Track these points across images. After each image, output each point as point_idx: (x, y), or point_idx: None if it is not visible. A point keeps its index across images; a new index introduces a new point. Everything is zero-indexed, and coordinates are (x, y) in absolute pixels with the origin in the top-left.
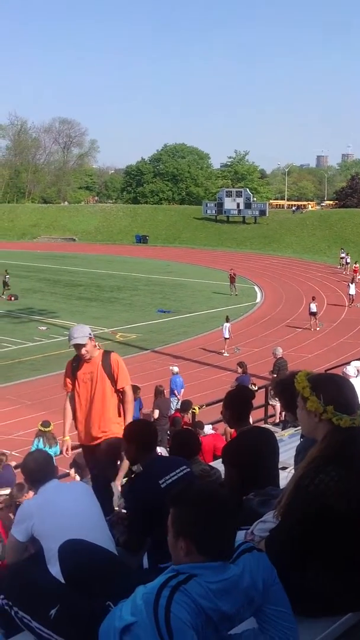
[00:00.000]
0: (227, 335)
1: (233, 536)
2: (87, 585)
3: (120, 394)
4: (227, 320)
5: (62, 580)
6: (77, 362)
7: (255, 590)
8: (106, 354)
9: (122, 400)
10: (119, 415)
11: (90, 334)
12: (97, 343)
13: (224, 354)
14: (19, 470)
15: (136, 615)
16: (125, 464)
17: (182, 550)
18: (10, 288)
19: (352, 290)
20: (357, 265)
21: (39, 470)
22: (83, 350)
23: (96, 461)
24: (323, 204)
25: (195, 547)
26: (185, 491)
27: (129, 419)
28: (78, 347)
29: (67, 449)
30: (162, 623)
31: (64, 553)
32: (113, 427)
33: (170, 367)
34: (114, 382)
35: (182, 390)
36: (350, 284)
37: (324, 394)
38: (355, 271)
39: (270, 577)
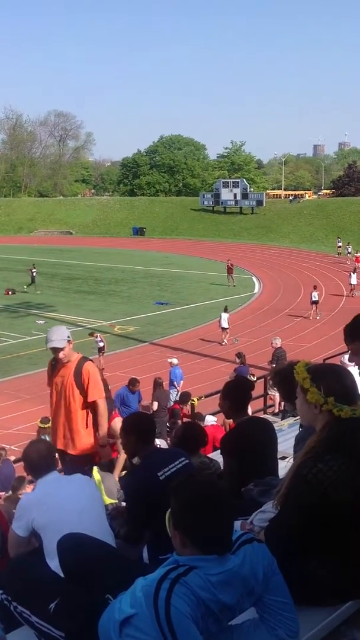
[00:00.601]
0: (225, 325)
1: (230, 530)
2: (86, 579)
3: (93, 406)
4: (226, 310)
5: (61, 574)
6: (55, 362)
7: (256, 581)
8: (81, 362)
9: (94, 413)
10: (87, 427)
11: (68, 337)
12: (80, 353)
13: (223, 343)
14: (18, 464)
15: (136, 607)
16: (122, 458)
17: (179, 542)
18: (34, 284)
19: (354, 279)
20: (359, 254)
21: (39, 460)
22: (60, 354)
23: (66, 468)
24: (320, 193)
25: (190, 540)
26: (182, 484)
27: (103, 434)
28: (55, 350)
29: None
30: (162, 615)
31: (62, 547)
32: (79, 439)
33: (169, 359)
34: (84, 393)
35: (182, 381)
36: (351, 274)
37: (324, 385)
38: (357, 260)
39: (270, 568)
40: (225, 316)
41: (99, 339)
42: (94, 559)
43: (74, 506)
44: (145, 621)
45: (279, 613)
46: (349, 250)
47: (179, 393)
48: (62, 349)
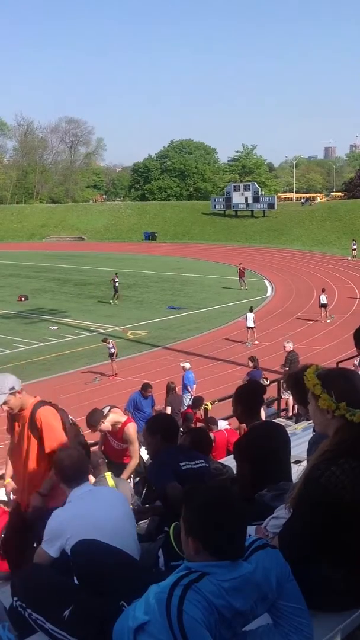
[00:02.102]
0: (251, 324)
1: (243, 536)
2: (99, 586)
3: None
4: (251, 310)
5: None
6: None
7: (269, 587)
8: (35, 408)
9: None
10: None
11: (12, 389)
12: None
13: (251, 344)
14: None
15: (149, 614)
16: (132, 464)
17: (192, 549)
18: (118, 293)
19: None
20: None
21: (72, 468)
22: (5, 407)
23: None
24: (330, 195)
25: (203, 547)
26: (195, 491)
27: (44, 490)
28: None
29: (10, 491)
30: (174, 622)
31: (76, 553)
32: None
33: (182, 364)
34: (41, 443)
35: (195, 385)
36: None
37: (335, 391)
38: None
39: (284, 573)
40: (251, 316)
41: (110, 344)
42: (107, 565)
43: (108, 525)
44: (158, 628)
45: (292, 619)
46: None
47: (192, 397)
48: (5, 403)
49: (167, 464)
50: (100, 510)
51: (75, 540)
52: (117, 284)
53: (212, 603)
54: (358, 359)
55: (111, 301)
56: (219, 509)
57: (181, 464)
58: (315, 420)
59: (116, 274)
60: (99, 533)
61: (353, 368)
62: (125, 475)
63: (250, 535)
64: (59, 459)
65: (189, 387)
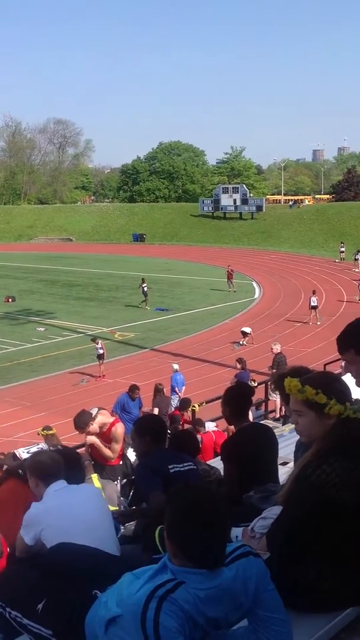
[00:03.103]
0: (314, 304)
1: (223, 546)
2: (70, 575)
3: None
4: (314, 293)
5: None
6: None
7: (245, 596)
8: None
9: None
10: None
11: None
12: None
13: (235, 347)
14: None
15: (122, 607)
16: (110, 455)
17: (171, 553)
18: (148, 298)
19: None
20: None
21: (52, 466)
22: None
23: None
24: (317, 197)
25: (181, 553)
26: (178, 494)
27: None
28: None
29: None
30: (151, 635)
31: (51, 559)
32: None
33: (172, 365)
34: None
35: (183, 387)
36: None
37: (335, 394)
38: None
39: (263, 583)
40: (314, 298)
41: (99, 345)
42: (78, 555)
43: (82, 518)
44: (130, 623)
45: (270, 628)
46: (357, 257)
47: (180, 399)
48: None
49: (154, 468)
50: (74, 504)
51: (49, 529)
52: (145, 288)
53: (187, 611)
54: (343, 362)
55: (139, 305)
56: (200, 516)
57: (170, 467)
58: (313, 429)
59: (142, 279)
60: (73, 524)
61: (340, 370)
62: (95, 442)
63: (237, 537)
64: (38, 457)
65: (176, 388)
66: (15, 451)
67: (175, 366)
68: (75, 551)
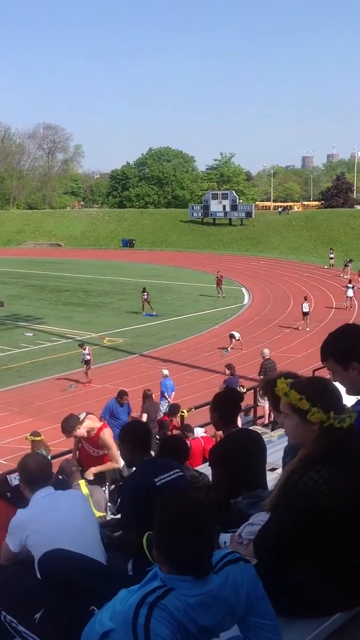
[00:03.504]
0: (306, 310)
1: (208, 555)
2: (70, 591)
3: None
4: (306, 300)
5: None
6: None
7: (238, 602)
8: None
9: None
10: None
11: None
12: None
13: (224, 352)
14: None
15: (115, 621)
16: (110, 465)
17: (157, 561)
18: (151, 305)
19: (350, 292)
20: None
21: (39, 472)
22: None
23: None
24: (305, 203)
25: (166, 561)
26: (165, 503)
27: None
28: None
29: None
30: None
31: (44, 563)
32: None
33: (162, 370)
34: None
35: (173, 393)
36: (348, 287)
37: (321, 402)
38: None
39: (255, 590)
40: (306, 305)
41: (86, 351)
42: (77, 571)
43: (68, 524)
44: (122, 637)
45: (262, 634)
46: (347, 264)
47: (169, 404)
48: None
49: (139, 488)
50: (59, 510)
51: (35, 536)
52: (145, 297)
53: (177, 619)
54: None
55: (142, 312)
56: (183, 527)
57: (156, 479)
58: (297, 433)
59: (144, 288)
60: (58, 531)
61: (328, 376)
62: (97, 469)
63: (225, 542)
64: (25, 462)
65: (166, 393)
66: (7, 476)
67: (165, 372)
68: (73, 559)
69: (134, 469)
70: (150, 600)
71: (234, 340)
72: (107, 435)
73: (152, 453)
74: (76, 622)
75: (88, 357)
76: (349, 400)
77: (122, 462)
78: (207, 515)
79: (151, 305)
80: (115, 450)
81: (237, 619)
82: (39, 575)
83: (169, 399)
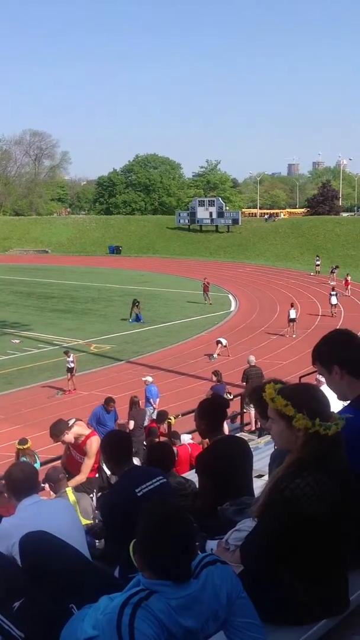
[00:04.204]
0: (293, 316)
1: (187, 561)
2: (50, 582)
3: None
4: (292, 306)
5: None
6: None
7: (219, 604)
8: None
9: None
10: None
11: None
12: None
13: (211, 359)
14: None
15: (98, 629)
16: (79, 478)
17: (139, 566)
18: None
19: (334, 300)
20: (349, 278)
21: (24, 481)
22: None
23: None
24: (291, 211)
25: (146, 566)
26: (146, 510)
27: None
28: None
29: None
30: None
31: (24, 546)
32: None
33: (143, 378)
34: None
35: (158, 399)
36: (331, 294)
37: (306, 408)
38: (346, 284)
39: (235, 590)
40: (293, 311)
41: (70, 359)
42: (55, 557)
43: (54, 532)
44: None
45: (246, 634)
46: (333, 271)
47: (155, 411)
48: None
49: (117, 504)
50: (45, 518)
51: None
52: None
53: (162, 621)
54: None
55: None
56: (163, 533)
57: (137, 490)
58: (282, 439)
59: (134, 300)
60: None
61: (315, 383)
62: (70, 483)
63: (212, 549)
64: (10, 472)
65: (151, 400)
66: None
67: (149, 378)
68: (54, 544)
69: (116, 479)
70: (134, 601)
71: (220, 346)
72: (94, 444)
73: (138, 460)
74: (55, 618)
75: (72, 365)
76: (338, 406)
77: (109, 471)
78: (187, 522)
79: (132, 312)
80: (91, 463)
81: (220, 622)
82: (19, 561)
83: (154, 405)
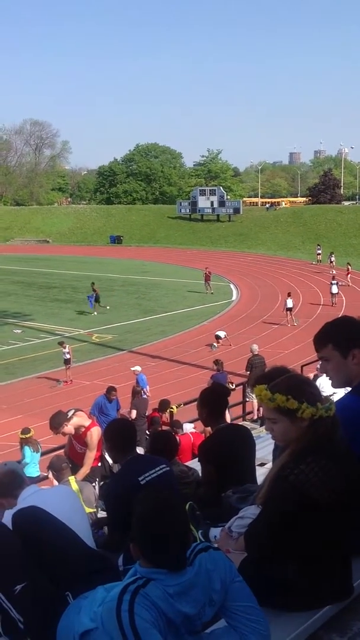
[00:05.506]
0: (290, 305)
1: (182, 550)
2: (43, 554)
3: None
4: (289, 295)
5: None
6: None
7: (213, 589)
8: None
9: None
10: None
11: None
12: None
13: (212, 348)
14: None
15: (96, 621)
16: (83, 471)
17: (135, 554)
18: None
19: (335, 289)
20: (350, 267)
21: (9, 482)
22: None
23: None
24: (292, 200)
25: (142, 555)
26: (142, 499)
27: None
28: None
29: None
30: (127, 626)
31: (19, 522)
32: None
33: (132, 368)
34: None
35: (148, 387)
36: (332, 283)
37: (306, 397)
38: (348, 273)
39: (229, 575)
40: (289, 300)
41: (66, 349)
42: (50, 536)
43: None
44: (104, 637)
45: (245, 617)
46: (332, 260)
47: (148, 398)
48: None
49: (121, 493)
50: (48, 505)
51: None
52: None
53: (160, 607)
54: (319, 363)
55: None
56: (158, 522)
57: (140, 478)
58: (288, 435)
59: (92, 283)
60: None
61: (316, 372)
62: (78, 477)
63: (215, 537)
64: None
65: (144, 389)
66: None
67: (138, 368)
68: (49, 521)
69: (120, 467)
70: (132, 589)
71: (220, 340)
72: (94, 435)
73: (142, 449)
74: (55, 606)
75: (68, 356)
76: (339, 392)
77: (110, 460)
78: (181, 511)
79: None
80: (93, 454)
81: (216, 607)
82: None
83: (147, 394)
